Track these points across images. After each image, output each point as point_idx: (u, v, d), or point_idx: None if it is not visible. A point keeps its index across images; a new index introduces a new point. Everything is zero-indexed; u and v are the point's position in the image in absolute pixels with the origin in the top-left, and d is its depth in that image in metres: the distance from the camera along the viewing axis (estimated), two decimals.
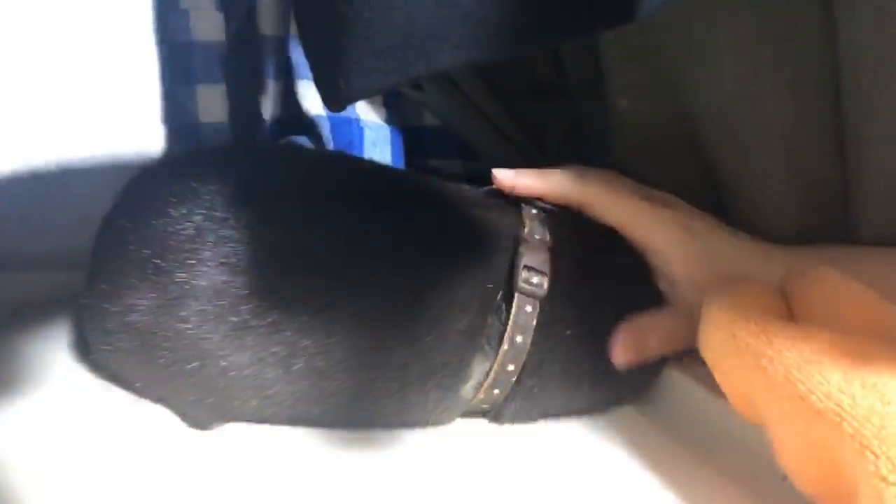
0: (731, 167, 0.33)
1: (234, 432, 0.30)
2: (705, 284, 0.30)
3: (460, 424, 0.32)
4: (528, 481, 0.28)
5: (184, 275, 0.27)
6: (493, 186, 0.34)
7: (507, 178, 0.33)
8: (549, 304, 0.30)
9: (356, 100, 0.24)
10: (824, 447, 0.19)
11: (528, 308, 0.29)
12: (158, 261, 0.27)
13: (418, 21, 0.21)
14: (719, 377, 0.25)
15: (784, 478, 0.22)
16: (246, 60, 0.43)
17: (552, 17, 0.21)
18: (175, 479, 0.27)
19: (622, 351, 0.31)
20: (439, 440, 0.31)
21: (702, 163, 0.34)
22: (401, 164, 0.46)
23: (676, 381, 0.33)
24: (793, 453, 0.21)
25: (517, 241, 0.30)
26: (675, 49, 0.31)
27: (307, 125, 0.43)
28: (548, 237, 0.31)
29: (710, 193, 0.35)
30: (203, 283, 0.27)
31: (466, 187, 0.34)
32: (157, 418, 0.30)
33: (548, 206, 0.33)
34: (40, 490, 0.25)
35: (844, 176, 0.31)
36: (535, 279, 0.29)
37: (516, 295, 0.29)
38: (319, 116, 0.42)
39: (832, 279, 0.25)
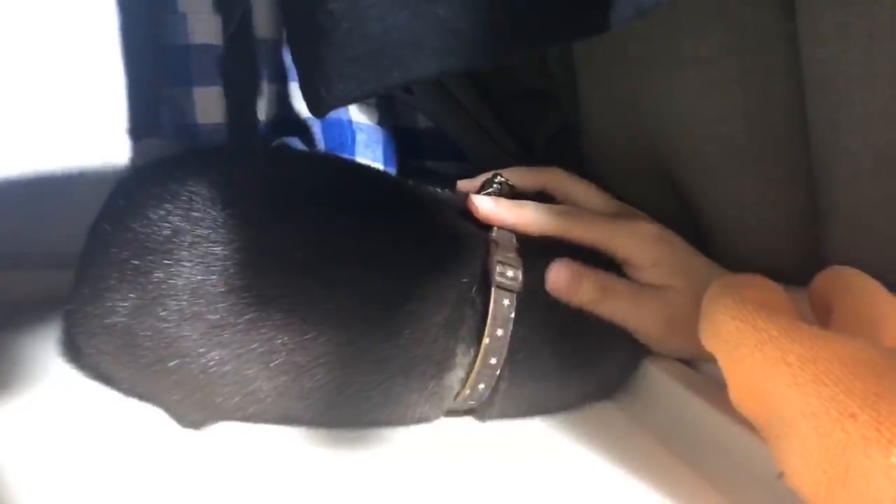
0: (696, 186, 0.33)
1: (227, 431, 0.31)
2: (671, 286, 0.32)
3: (444, 423, 0.33)
4: (508, 477, 0.29)
5: (161, 274, 0.27)
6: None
7: (482, 208, 0.33)
8: (524, 299, 0.30)
9: (336, 106, 0.24)
10: (847, 448, 0.19)
11: (506, 302, 0.30)
12: (137, 262, 0.28)
13: (394, 31, 0.21)
14: (729, 367, 0.24)
15: (779, 475, 0.21)
16: (242, 63, 0.44)
17: (525, 27, 0.22)
18: (168, 479, 0.27)
19: (552, 274, 0.31)
20: (423, 438, 0.32)
21: (667, 181, 0.34)
22: (392, 166, 0.46)
23: (655, 376, 0.33)
24: (805, 454, 0.20)
25: (488, 239, 0.31)
26: (640, 60, 0.31)
27: (300, 127, 0.44)
28: (514, 239, 0.32)
29: (675, 213, 0.35)
30: (180, 282, 0.27)
31: (440, 190, 0.35)
32: (150, 418, 0.31)
33: None
34: (35, 489, 0.26)
35: (814, 194, 0.31)
36: (509, 273, 0.30)
37: (493, 289, 0.30)
38: (311, 118, 0.43)
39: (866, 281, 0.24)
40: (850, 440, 0.18)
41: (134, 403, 0.31)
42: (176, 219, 0.28)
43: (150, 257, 0.28)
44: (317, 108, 0.24)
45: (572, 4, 0.22)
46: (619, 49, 0.32)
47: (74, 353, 0.34)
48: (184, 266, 0.28)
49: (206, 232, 0.28)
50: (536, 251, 0.32)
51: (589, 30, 0.22)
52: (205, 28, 0.43)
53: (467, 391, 0.31)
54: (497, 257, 0.30)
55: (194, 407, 0.30)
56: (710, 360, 0.32)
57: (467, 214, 0.33)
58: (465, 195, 0.34)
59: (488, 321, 0.30)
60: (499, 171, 0.36)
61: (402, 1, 0.21)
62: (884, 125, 0.26)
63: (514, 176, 0.36)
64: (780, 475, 0.21)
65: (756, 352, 0.22)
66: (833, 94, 0.27)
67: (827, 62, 0.26)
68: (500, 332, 0.30)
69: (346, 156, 0.43)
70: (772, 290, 0.26)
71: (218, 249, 0.28)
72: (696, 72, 0.29)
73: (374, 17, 0.21)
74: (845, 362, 0.20)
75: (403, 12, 0.21)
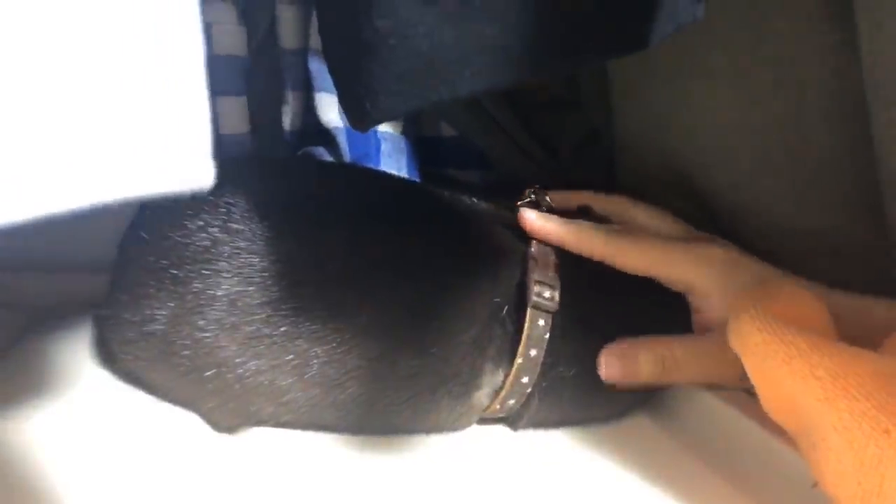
0: (728, 201, 0.32)
1: (257, 434, 0.31)
2: None
3: (473, 430, 0.33)
4: (540, 488, 0.29)
5: (200, 285, 0.28)
6: (504, 200, 0.34)
7: (532, 222, 0.32)
8: (560, 317, 0.30)
9: (381, 121, 0.24)
10: (881, 462, 0.19)
11: (541, 322, 0.30)
12: (176, 271, 0.28)
13: (441, 48, 0.22)
14: (757, 379, 0.24)
15: (814, 484, 0.22)
16: (267, 73, 0.44)
17: (569, 44, 0.22)
18: (197, 481, 0.28)
19: (605, 367, 0.30)
20: (451, 445, 0.32)
21: (699, 197, 0.33)
22: (415, 174, 0.46)
23: (689, 388, 0.33)
24: (840, 467, 0.20)
25: (525, 257, 0.31)
26: (673, 72, 0.31)
27: (325, 136, 0.44)
28: (553, 256, 0.31)
29: (708, 229, 0.34)
30: (219, 293, 0.28)
31: (476, 201, 0.34)
32: (182, 420, 0.31)
33: None
34: (66, 493, 0.26)
35: (867, 217, 0.29)
36: (546, 293, 0.30)
37: (529, 310, 0.30)
38: (336, 128, 0.43)
39: None
40: (884, 455, 0.18)
41: (161, 405, 0.31)
42: (215, 230, 0.28)
43: (189, 267, 0.28)
44: (361, 122, 0.24)
45: (614, 22, 0.22)
46: (653, 62, 0.31)
47: (108, 357, 0.34)
48: (223, 277, 0.28)
49: (244, 244, 0.28)
50: (573, 266, 0.32)
51: (630, 46, 0.23)
52: (229, 38, 0.43)
53: (497, 406, 0.31)
54: (535, 276, 0.30)
55: (229, 415, 0.30)
56: None
57: (506, 226, 0.33)
58: (505, 207, 0.33)
59: (522, 340, 0.30)
60: (564, 194, 0.35)
61: (448, 19, 0.21)
62: None
63: (577, 198, 0.34)
64: (815, 484, 0.21)
65: (784, 365, 0.22)
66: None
67: (889, 66, 0.25)
68: (533, 352, 0.30)
69: (370, 165, 0.43)
70: (804, 302, 0.25)
71: (256, 261, 0.28)
72: (728, 84, 0.29)
73: (421, 34, 0.21)
74: (876, 378, 0.20)
75: (450, 30, 0.21)
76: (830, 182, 0.30)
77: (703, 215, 0.34)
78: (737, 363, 0.29)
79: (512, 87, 0.40)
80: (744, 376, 0.30)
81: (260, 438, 0.31)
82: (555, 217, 0.32)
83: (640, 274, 0.32)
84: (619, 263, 0.32)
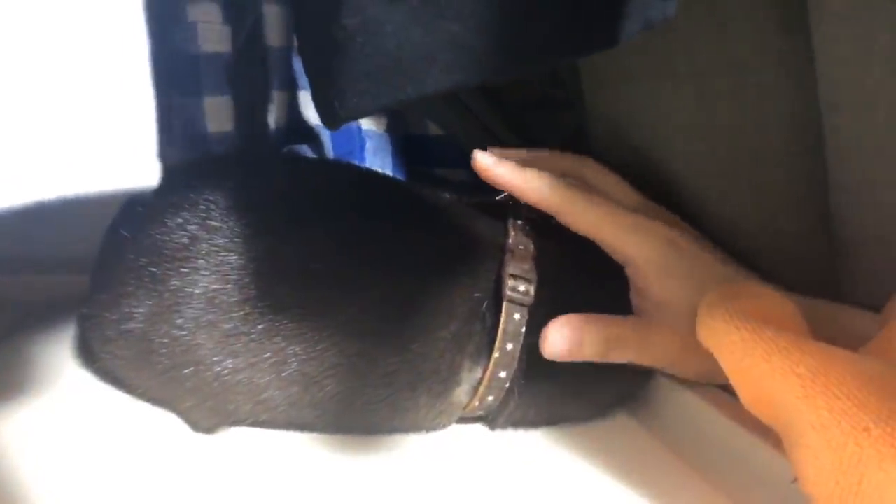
0: (692, 204, 0.32)
1: (237, 435, 0.31)
2: (682, 303, 0.30)
3: (455, 430, 0.33)
4: (521, 487, 0.29)
5: (178, 283, 0.28)
6: (484, 198, 0.34)
7: (485, 163, 0.31)
8: (536, 312, 0.30)
9: (350, 119, 0.24)
10: (861, 461, 0.19)
11: (517, 316, 0.30)
12: (154, 269, 0.28)
13: (407, 47, 0.22)
14: (735, 377, 0.24)
15: (793, 480, 0.21)
16: (252, 71, 0.44)
17: (535, 44, 0.22)
18: (178, 481, 0.28)
19: (548, 341, 0.29)
20: (434, 446, 0.32)
21: (667, 196, 0.33)
22: (400, 173, 0.46)
23: (667, 385, 0.33)
24: (817, 464, 0.20)
25: (502, 251, 0.31)
26: (638, 73, 0.31)
27: (309, 134, 0.44)
28: (532, 247, 0.31)
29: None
30: (197, 290, 0.28)
31: (456, 198, 0.34)
32: (161, 421, 0.31)
33: (532, 217, 0.33)
34: (47, 492, 0.26)
35: (819, 222, 0.29)
36: (521, 287, 0.30)
37: (504, 303, 0.30)
38: (320, 126, 0.43)
39: None
40: (863, 454, 0.18)
41: (141, 406, 0.32)
42: (193, 227, 0.28)
43: (168, 265, 0.28)
44: (331, 121, 0.25)
45: (582, 20, 0.22)
46: (620, 62, 0.31)
47: (89, 356, 0.34)
48: (200, 275, 0.28)
49: (222, 241, 0.28)
50: (553, 259, 0.32)
51: (598, 45, 0.23)
52: (215, 37, 0.43)
53: (476, 402, 0.31)
54: (510, 269, 0.30)
55: (207, 413, 0.31)
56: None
57: (487, 222, 0.32)
58: (487, 203, 0.33)
59: (498, 335, 0.30)
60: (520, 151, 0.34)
61: (415, 17, 0.21)
62: None
63: (540, 159, 0.34)
64: (795, 480, 0.21)
65: (763, 362, 0.22)
66: (848, 117, 0.26)
67: (841, 84, 0.25)
68: (509, 346, 0.30)
69: (355, 162, 0.43)
70: (776, 303, 0.25)
71: (233, 259, 0.28)
72: (691, 85, 0.29)
73: (389, 32, 0.22)
74: (858, 377, 0.20)
75: (417, 28, 0.21)
76: (787, 187, 0.30)
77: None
78: (683, 352, 0.30)
79: (480, 85, 0.40)
80: (700, 370, 0.31)
81: (240, 438, 0.31)
82: (509, 162, 0.31)
83: (583, 234, 0.31)
84: (566, 219, 0.31)
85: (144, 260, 0.29)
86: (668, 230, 0.31)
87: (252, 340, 0.28)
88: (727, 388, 0.32)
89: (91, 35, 0.40)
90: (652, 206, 0.33)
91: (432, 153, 0.48)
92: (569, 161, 0.34)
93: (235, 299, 0.28)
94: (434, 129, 0.48)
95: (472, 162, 0.31)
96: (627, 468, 0.30)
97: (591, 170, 0.33)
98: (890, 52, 0.23)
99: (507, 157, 0.32)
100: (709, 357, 0.29)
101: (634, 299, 0.32)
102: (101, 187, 0.40)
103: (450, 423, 0.33)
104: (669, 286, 0.30)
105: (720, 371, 0.27)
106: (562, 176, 0.32)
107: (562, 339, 0.29)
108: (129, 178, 0.40)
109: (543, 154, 0.34)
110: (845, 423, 0.19)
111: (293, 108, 0.44)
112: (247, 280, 0.28)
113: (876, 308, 0.28)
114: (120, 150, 0.41)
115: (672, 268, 0.30)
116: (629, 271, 0.31)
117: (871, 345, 0.24)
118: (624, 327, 0.30)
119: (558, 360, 0.29)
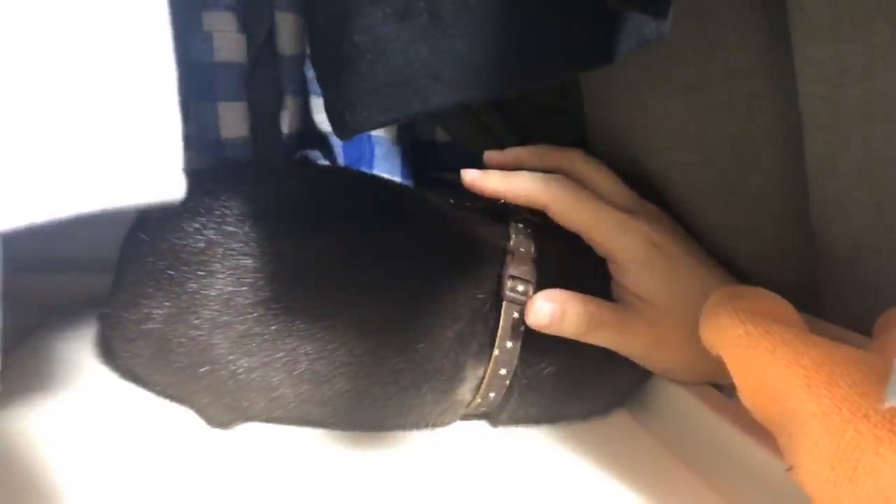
0: (685, 214, 0.33)
1: (252, 430, 0.32)
2: (659, 301, 0.31)
3: (458, 427, 0.34)
4: (520, 484, 0.30)
5: (195, 285, 0.29)
6: (488, 203, 0.35)
7: (473, 179, 0.33)
8: None
9: (360, 131, 0.26)
10: (858, 446, 0.19)
11: (516, 315, 0.31)
12: (172, 272, 0.29)
13: (415, 63, 0.23)
14: (738, 370, 0.24)
15: (788, 469, 0.22)
16: (266, 79, 0.45)
17: (534, 60, 0.23)
18: (194, 474, 0.29)
19: (533, 311, 0.30)
20: (436, 442, 0.33)
21: (671, 210, 0.34)
22: (409, 178, 0.47)
23: (666, 385, 0.34)
24: (815, 452, 0.20)
25: (504, 253, 0.32)
26: (634, 85, 0.31)
27: (321, 140, 0.45)
28: (532, 249, 0.33)
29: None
30: (213, 292, 0.29)
31: (462, 203, 0.35)
32: (180, 417, 0.32)
33: (534, 220, 0.34)
34: (69, 486, 0.27)
35: (808, 233, 0.30)
36: (520, 287, 0.31)
37: (504, 303, 0.31)
38: (331, 132, 0.44)
39: None
40: (862, 439, 0.19)
41: (164, 403, 0.33)
42: (210, 232, 0.30)
43: (185, 268, 0.29)
44: (341, 131, 0.26)
45: (580, 37, 0.24)
46: (616, 75, 0.32)
47: (109, 354, 0.35)
48: (216, 278, 0.29)
49: (238, 245, 0.30)
50: (553, 260, 0.33)
51: (596, 61, 0.24)
52: (231, 46, 0.44)
53: (478, 399, 0.33)
54: (510, 271, 0.31)
55: (223, 410, 0.32)
56: (699, 381, 0.33)
57: (491, 225, 0.34)
58: (487, 204, 0.34)
59: (498, 332, 0.31)
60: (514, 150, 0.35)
61: (422, 36, 0.23)
62: (882, 167, 0.26)
63: (530, 153, 0.35)
64: (790, 468, 0.22)
65: (768, 353, 0.22)
66: (827, 133, 0.26)
67: (819, 100, 0.26)
68: (509, 343, 0.31)
69: (364, 168, 0.45)
70: (777, 303, 0.26)
71: (248, 262, 0.29)
72: (684, 96, 0.29)
73: (397, 50, 0.23)
74: (859, 368, 0.20)
75: (424, 46, 0.23)
76: (776, 199, 0.30)
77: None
78: (654, 346, 0.31)
79: (484, 101, 0.41)
80: (668, 366, 0.32)
81: (254, 434, 0.32)
82: (494, 172, 0.33)
83: (570, 228, 0.32)
84: (554, 213, 0.32)
85: (163, 263, 0.30)
86: (651, 230, 0.32)
87: (266, 340, 0.29)
88: (721, 389, 0.33)
89: (75, 47, 0.41)
90: (641, 200, 0.34)
91: (440, 159, 0.49)
92: (560, 156, 0.35)
93: (250, 301, 0.29)
94: (442, 136, 0.49)
95: (463, 182, 0.33)
96: (624, 466, 0.31)
97: (581, 163, 0.34)
98: (865, 70, 0.24)
99: (503, 158, 0.34)
100: (676, 354, 0.30)
101: (615, 292, 0.33)
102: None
103: (454, 420, 0.34)
104: (647, 283, 0.31)
105: (685, 369, 0.28)
106: (556, 171, 0.33)
107: (546, 307, 0.30)
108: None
109: (537, 150, 0.35)
110: (846, 410, 0.19)
111: (306, 113, 0.46)
112: (261, 283, 0.29)
113: (851, 325, 0.29)
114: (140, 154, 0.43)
115: (651, 267, 0.31)
116: (611, 266, 0.33)
117: (871, 348, 0.25)
118: (605, 310, 0.31)
119: (540, 329, 0.30)
